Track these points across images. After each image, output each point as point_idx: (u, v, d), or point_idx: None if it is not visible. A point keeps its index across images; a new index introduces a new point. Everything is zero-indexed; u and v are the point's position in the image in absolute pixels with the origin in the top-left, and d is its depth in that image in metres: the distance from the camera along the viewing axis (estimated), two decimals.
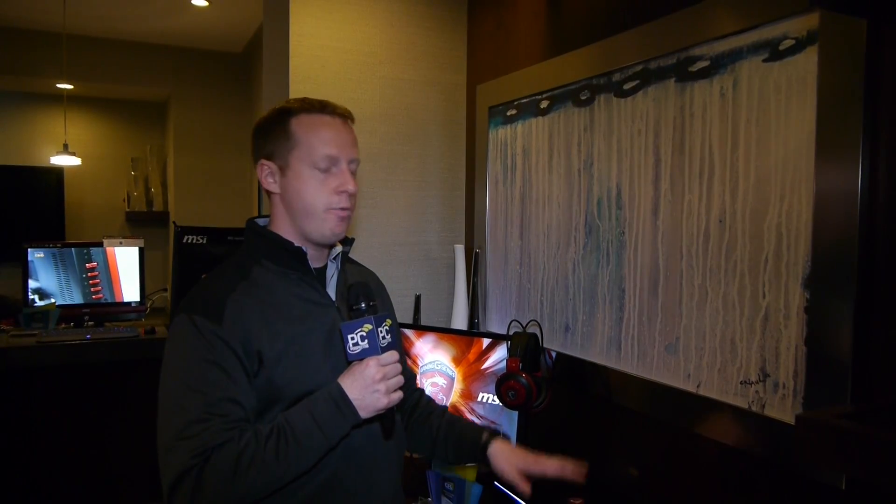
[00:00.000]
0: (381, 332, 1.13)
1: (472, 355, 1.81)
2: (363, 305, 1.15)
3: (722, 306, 1.35)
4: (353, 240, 1.36)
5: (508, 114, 2.06)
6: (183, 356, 1.11)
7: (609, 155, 1.66)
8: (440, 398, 1.84)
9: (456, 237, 2.38)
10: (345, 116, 1.26)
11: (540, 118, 1.92)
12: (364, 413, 1.12)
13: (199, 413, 1.05)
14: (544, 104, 1.90)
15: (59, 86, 4.75)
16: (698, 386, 1.41)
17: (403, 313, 2.28)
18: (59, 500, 3.08)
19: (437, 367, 1.86)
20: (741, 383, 1.31)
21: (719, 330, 1.36)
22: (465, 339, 1.84)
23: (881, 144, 1.07)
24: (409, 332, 1.92)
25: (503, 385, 1.60)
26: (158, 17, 4.24)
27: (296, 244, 1.22)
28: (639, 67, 1.56)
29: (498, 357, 1.76)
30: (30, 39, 4.48)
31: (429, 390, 1.86)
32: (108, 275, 3.50)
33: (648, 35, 1.51)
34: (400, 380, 1.15)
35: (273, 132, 1.22)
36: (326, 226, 1.21)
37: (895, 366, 1.07)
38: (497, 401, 1.66)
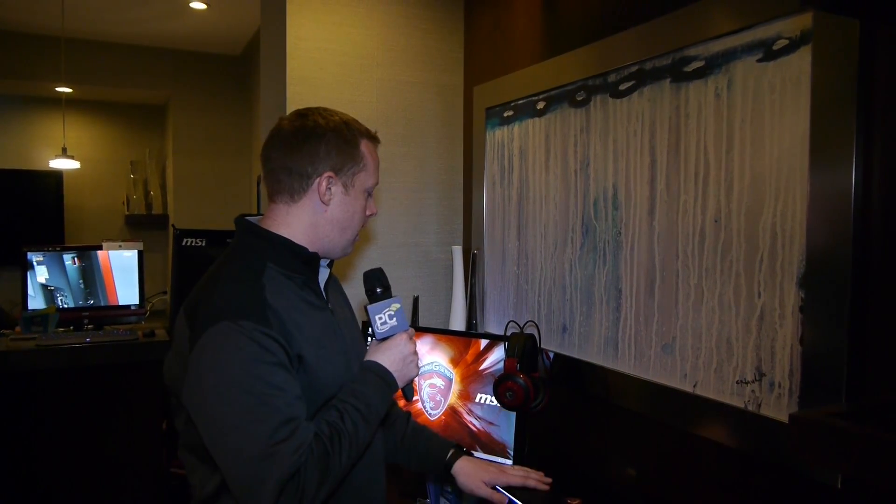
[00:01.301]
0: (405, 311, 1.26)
1: (469, 356, 1.82)
2: (380, 290, 1.26)
3: (718, 306, 1.35)
4: None
5: (505, 115, 2.07)
6: (242, 365, 1.04)
7: (605, 155, 1.66)
8: (438, 399, 1.84)
9: (454, 238, 2.38)
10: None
11: (537, 119, 1.92)
12: (401, 383, 1.23)
13: (286, 414, 1.03)
14: (541, 105, 1.90)
15: (57, 89, 4.76)
16: (695, 386, 1.41)
17: None
18: (59, 503, 3.08)
19: (435, 369, 1.86)
20: (737, 383, 1.31)
21: (715, 330, 1.36)
22: (463, 340, 1.84)
23: (875, 144, 1.08)
24: None
25: (501, 386, 1.60)
26: (157, 20, 4.25)
27: (310, 250, 1.24)
28: (634, 68, 1.56)
29: (496, 358, 1.77)
30: (28, 43, 4.49)
31: (427, 391, 1.86)
32: (102, 278, 3.49)
33: (644, 36, 1.52)
34: (421, 356, 1.29)
35: (344, 149, 1.24)
36: (350, 243, 1.29)
37: (890, 364, 1.07)
38: (495, 401, 1.66)
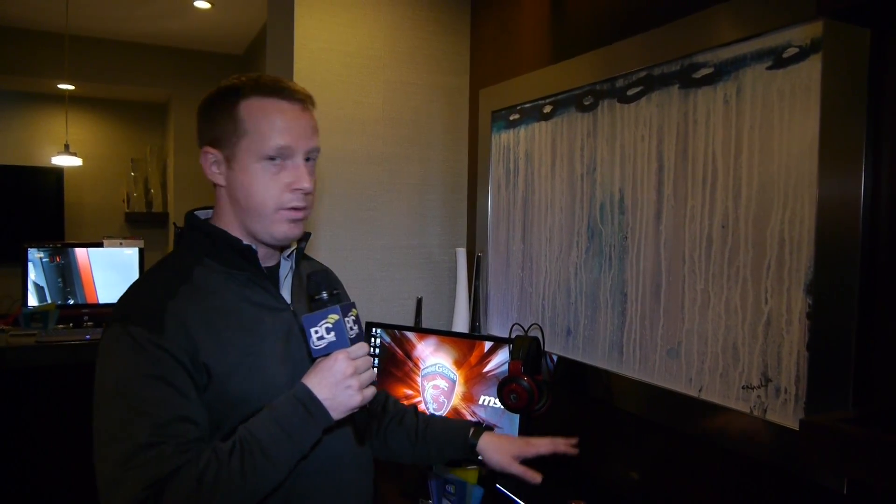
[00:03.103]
0: (349, 322, 1.03)
1: (473, 358, 1.82)
2: (325, 295, 1.03)
3: (724, 311, 1.36)
4: (308, 234, 1.22)
5: (511, 118, 2.07)
6: (121, 374, 0.96)
7: (612, 160, 1.67)
8: (441, 401, 1.85)
9: (458, 240, 2.39)
10: (304, 100, 1.10)
11: (543, 123, 1.93)
12: (336, 414, 1.01)
13: (148, 437, 0.91)
14: (548, 109, 1.91)
15: (60, 86, 4.76)
16: (700, 390, 1.41)
17: (405, 316, 2.29)
18: (57, 500, 3.08)
19: (439, 370, 1.87)
20: (743, 388, 1.32)
21: (721, 335, 1.36)
22: (467, 343, 1.85)
23: (884, 152, 1.08)
24: (410, 335, 1.93)
25: (505, 388, 1.60)
26: (161, 18, 4.25)
27: (244, 242, 1.10)
28: (642, 74, 1.57)
29: (500, 360, 1.77)
30: (32, 40, 4.48)
31: (430, 393, 1.86)
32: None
33: (652, 42, 1.53)
34: (372, 374, 1.04)
35: (219, 115, 1.07)
36: (277, 228, 1.08)
37: None
38: (498, 404, 1.66)
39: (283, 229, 1.08)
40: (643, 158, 1.57)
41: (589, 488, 1.65)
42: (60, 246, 3.49)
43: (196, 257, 1.09)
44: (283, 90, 1.07)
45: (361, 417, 1.06)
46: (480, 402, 1.79)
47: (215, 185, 1.12)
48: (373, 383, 1.05)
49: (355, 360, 1.02)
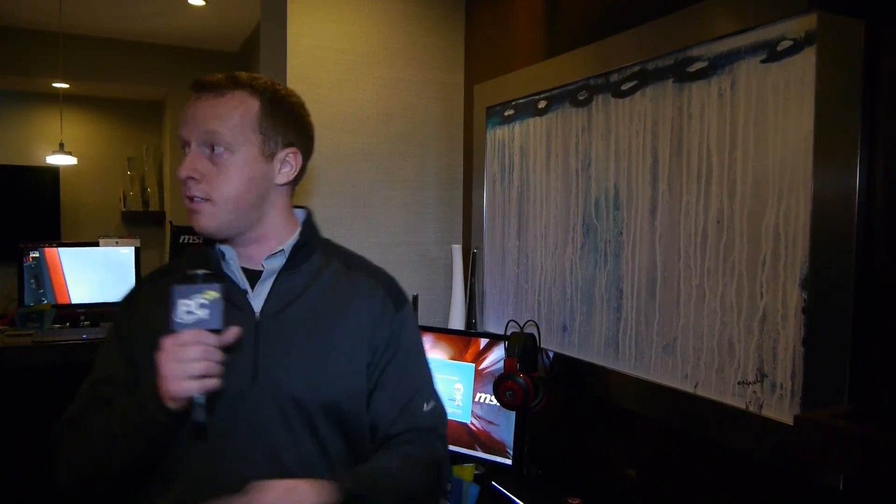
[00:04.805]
0: (222, 305, 0.97)
1: (469, 355, 1.81)
2: (202, 273, 0.98)
3: (720, 307, 1.35)
4: (306, 234, 1.18)
5: (506, 114, 2.06)
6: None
7: (607, 155, 1.66)
8: None
9: (453, 237, 2.38)
10: (205, 87, 1.07)
11: (538, 118, 1.92)
12: (168, 401, 0.94)
13: (84, 386, 1.12)
14: (542, 104, 1.90)
15: (55, 85, 4.74)
16: (696, 386, 1.41)
17: None
18: (56, 500, 3.07)
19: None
20: (739, 384, 1.31)
21: (717, 330, 1.36)
22: (463, 339, 1.84)
23: (879, 145, 1.08)
24: None
25: (501, 385, 1.60)
26: (155, 16, 4.23)
27: (221, 243, 1.13)
28: (637, 68, 1.56)
29: (495, 357, 1.76)
30: (26, 38, 4.46)
31: None
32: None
33: (646, 36, 1.52)
34: (207, 367, 0.95)
35: None
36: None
37: (892, 366, 1.07)
38: (494, 401, 1.66)
39: (192, 221, 1.09)
40: (638, 153, 1.56)
41: (585, 485, 1.64)
42: (56, 245, 3.48)
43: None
44: (194, 84, 1.09)
45: (198, 411, 0.96)
46: (476, 399, 1.78)
47: None
48: (209, 377, 0.96)
49: (187, 346, 0.94)
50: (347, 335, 1.12)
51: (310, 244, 1.18)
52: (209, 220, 1.07)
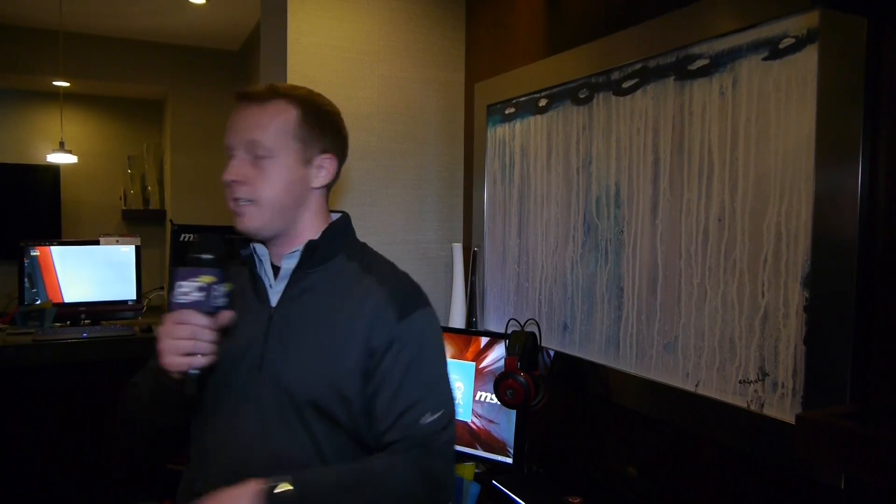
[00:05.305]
0: (220, 289, 1.03)
1: (470, 354, 1.81)
2: (205, 257, 1.03)
3: (721, 305, 1.35)
4: (319, 239, 1.21)
5: (507, 112, 2.06)
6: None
7: (608, 153, 1.65)
8: None
9: (454, 236, 2.37)
10: (249, 97, 1.16)
11: (538, 116, 1.91)
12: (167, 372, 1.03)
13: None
14: (543, 102, 1.89)
15: (55, 83, 4.73)
16: (697, 385, 1.40)
17: None
18: (56, 499, 3.07)
19: None
20: (740, 382, 1.31)
21: (718, 329, 1.35)
22: (464, 338, 1.84)
23: (881, 143, 1.07)
24: None
25: (501, 384, 1.60)
26: (156, 15, 4.22)
27: (255, 240, 1.23)
28: (638, 66, 1.55)
29: (496, 356, 1.76)
30: (26, 37, 4.45)
31: None
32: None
33: (647, 33, 1.51)
34: (195, 345, 1.01)
35: None
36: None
37: (895, 365, 1.06)
38: (495, 399, 1.65)
39: (236, 222, 1.17)
40: (639, 151, 1.56)
41: (586, 484, 1.64)
42: (57, 243, 3.48)
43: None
44: (238, 95, 1.17)
45: (189, 383, 1.02)
46: (477, 397, 1.78)
47: None
48: (195, 355, 1.02)
49: (179, 325, 1.01)
50: (342, 336, 1.15)
51: (329, 246, 1.21)
52: (253, 220, 1.15)
